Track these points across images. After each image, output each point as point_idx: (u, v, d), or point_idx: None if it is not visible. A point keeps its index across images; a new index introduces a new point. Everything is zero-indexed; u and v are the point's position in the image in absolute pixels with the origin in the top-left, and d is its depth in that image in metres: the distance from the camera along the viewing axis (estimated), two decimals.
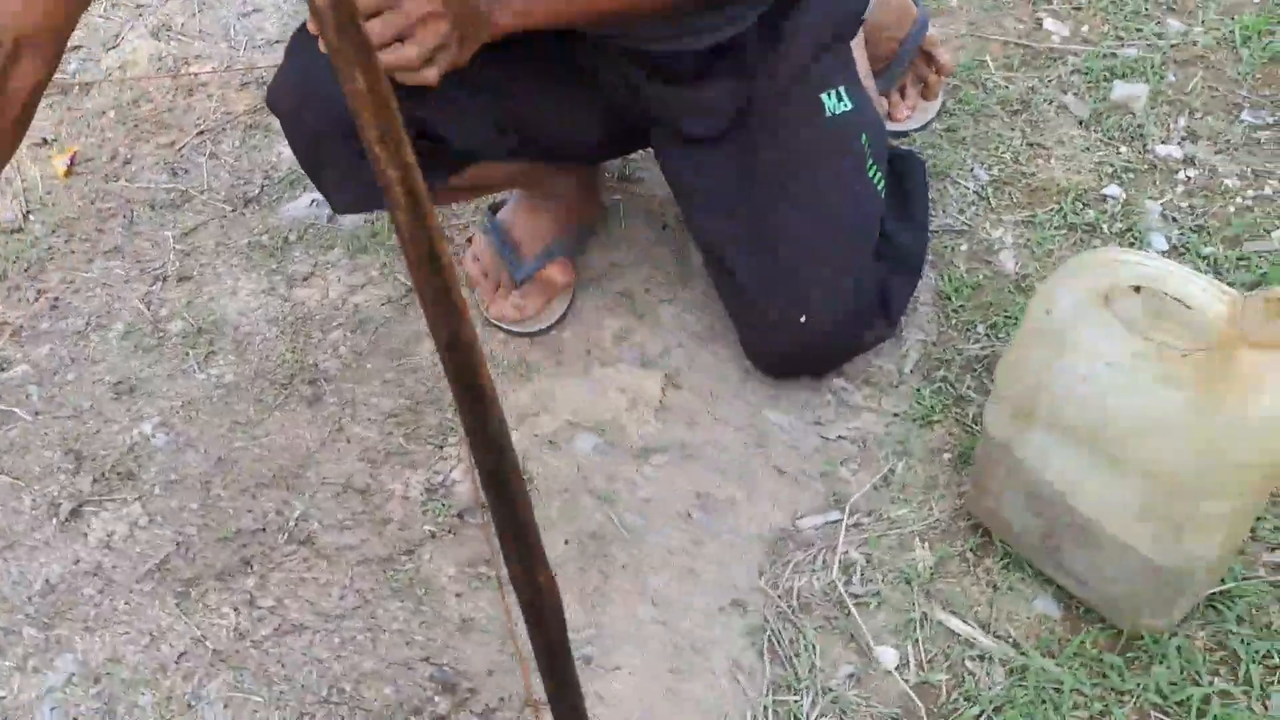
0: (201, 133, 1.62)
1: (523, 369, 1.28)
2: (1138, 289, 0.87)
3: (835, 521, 1.11)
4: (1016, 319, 1.26)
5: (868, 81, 1.31)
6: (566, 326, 1.33)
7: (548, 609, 0.59)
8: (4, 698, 0.98)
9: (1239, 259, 1.30)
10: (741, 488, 1.15)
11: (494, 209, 1.39)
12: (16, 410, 1.22)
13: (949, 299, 1.30)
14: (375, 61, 0.33)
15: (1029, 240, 1.36)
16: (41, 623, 1.04)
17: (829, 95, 1.17)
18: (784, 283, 1.14)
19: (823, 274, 1.13)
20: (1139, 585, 0.93)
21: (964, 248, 1.36)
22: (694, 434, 1.21)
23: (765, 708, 0.97)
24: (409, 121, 1.08)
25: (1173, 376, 0.85)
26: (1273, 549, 1.04)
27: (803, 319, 1.13)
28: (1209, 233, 1.34)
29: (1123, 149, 1.45)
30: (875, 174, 1.19)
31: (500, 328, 1.31)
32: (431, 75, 0.94)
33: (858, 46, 1.28)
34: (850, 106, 1.18)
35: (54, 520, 1.11)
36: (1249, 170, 1.40)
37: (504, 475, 0.58)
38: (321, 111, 1.00)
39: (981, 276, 1.33)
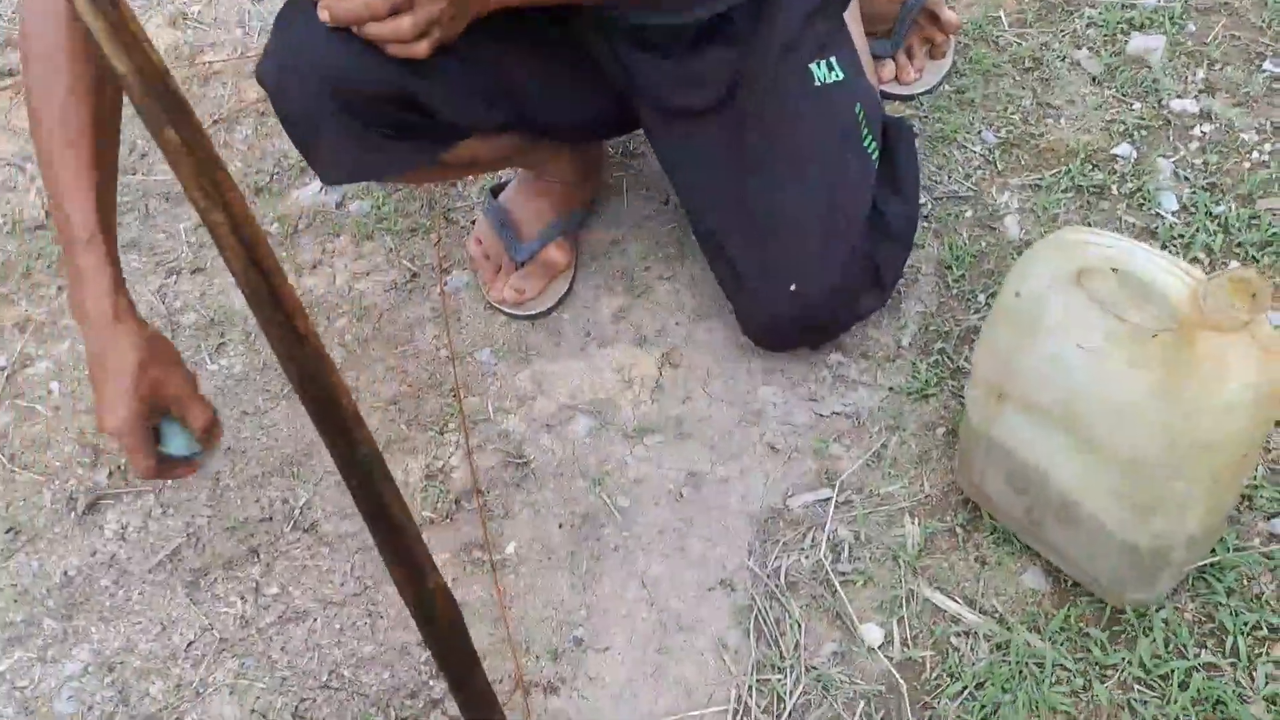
0: (216, 121, 1.65)
1: (522, 352, 1.30)
2: (1116, 270, 0.86)
3: (826, 499, 1.12)
4: None
5: (864, 52, 1.28)
6: (566, 307, 1.34)
7: (440, 618, 0.61)
8: (25, 687, 1.04)
9: (1251, 217, 1.26)
10: (734, 466, 1.16)
11: (495, 191, 1.40)
12: (38, 406, 1.27)
13: (950, 268, 1.29)
14: (189, 116, 0.34)
15: (1034, 205, 1.33)
16: (60, 614, 1.10)
17: (818, 65, 1.15)
18: (774, 252, 1.13)
19: (812, 243, 1.12)
20: (1119, 562, 0.92)
21: (968, 214, 1.34)
22: (689, 412, 1.21)
23: (750, 687, 0.99)
24: (399, 93, 1.08)
25: (1142, 359, 0.84)
26: (1269, 517, 1.02)
27: (792, 287, 1.12)
28: (1222, 190, 1.30)
29: (1136, 105, 1.41)
30: (870, 144, 1.17)
31: (501, 310, 1.33)
32: (422, 48, 0.97)
33: (851, 17, 1.25)
34: (842, 76, 1.16)
35: (72, 514, 1.17)
36: (1268, 124, 1.35)
37: (376, 497, 0.59)
38: (308, 84, 1.02)
39: (984, 244, 1.31)
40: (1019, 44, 1.51)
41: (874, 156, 1.17)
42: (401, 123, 1.06)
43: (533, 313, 1.32)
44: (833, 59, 1.16)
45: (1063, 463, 0.91)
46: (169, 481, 1.19)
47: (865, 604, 1.03)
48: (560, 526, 1.13)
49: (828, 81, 1.16)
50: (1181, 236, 1.26)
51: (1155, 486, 0.86)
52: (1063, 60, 1.47)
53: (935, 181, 1.38)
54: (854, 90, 1.17)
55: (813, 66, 1.15)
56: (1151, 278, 0.83)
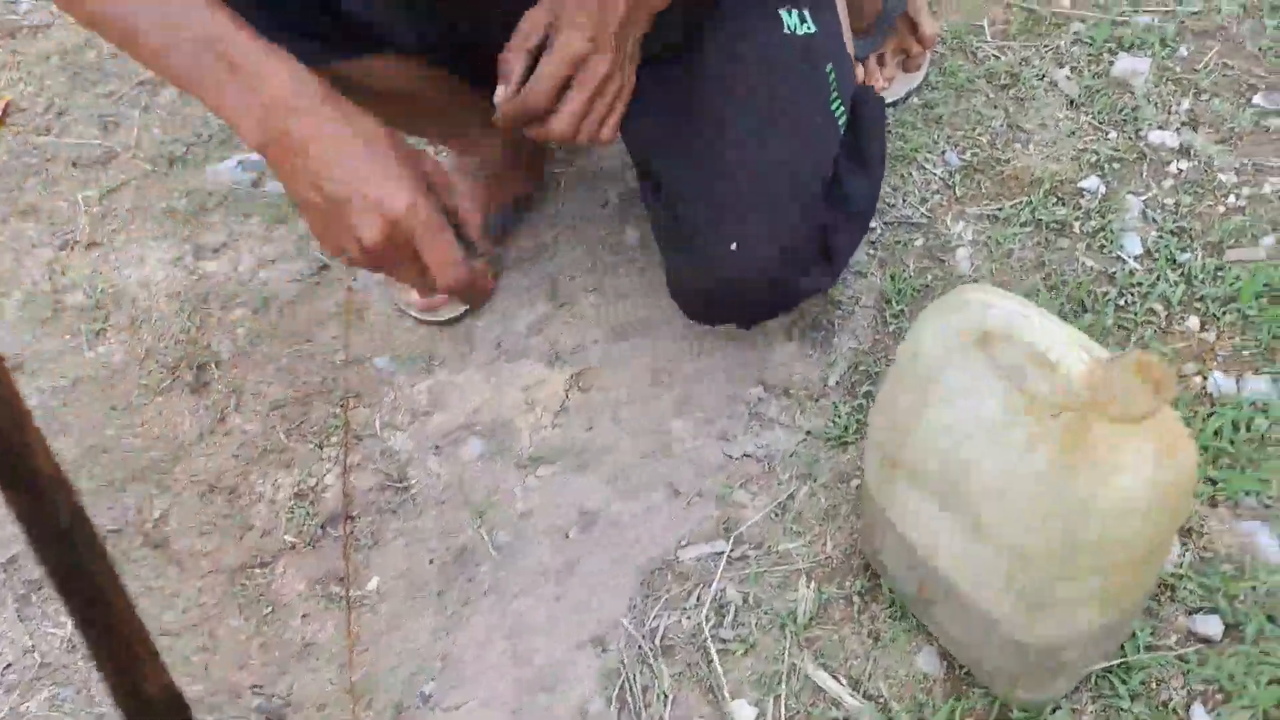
0: (141, 83, 1.56)
1: (425, 361, 1.21)
2: (1013, 338, 0.76)
3: (719, 553, 1.03)
4: None
5: (846, 25, 1.16)
6: (482, 313, 1.25)
7: None
8: None
9: (1217, 269, 1.15)
10: (630, 506, 1.08)
11: None
12: None
13: (890, 301, 1.19)
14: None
15: (989, 238, 1.23)
16: None
17: (789, 13, 1.02)
18: (721, 204, 1.00)
19: (764, 200, 0.99)
20: (1009, 657, 0.84)
21: (918, 243, 1.24)
22: (591, 442, 1.13)
23: None
24: None
25: (1039, 440, 0.74)
26: (1191, 612, 0.93)
27: (734, 246, 0.99)
28: (1190, 236, 1.19)
29: (1112, 134, 1.30)
30: (838, 108, 1.05)
31: (408, 314, 1.24)
32: (609, 129, 0.93)
33: (840, 5, 1.13)
34: (814, 30, 1.03)
35: None
36: (1249, 165, 1.24)
37: (84, 578, 0.51)
38: None
39: (931, 277, 1.21)
40: (998, 58, 1.39)
41: (841, 123, 1.05)
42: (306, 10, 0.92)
43: (441, 318, 1.24)
44: (806, 11, 1.03)
45: (949, 544, 0.82)
46: None
47: (743, 676, 0.95)
48: (431, 562, 1.05)
49: (798, 32, 1.03)
50: (1140, 285, 1.16)
51: (1044, 582, 0.77)
52: (1041, 79, 1.36)
53: (888, 205, 1.28)
54: (827, 48, 1.05)
55: (784, 13, 1.02)
56: (1050, 352, 0.74)
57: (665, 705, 0.93)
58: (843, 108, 1.05)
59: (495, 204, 1.28)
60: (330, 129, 0.73)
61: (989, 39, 1.42)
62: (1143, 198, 1.23)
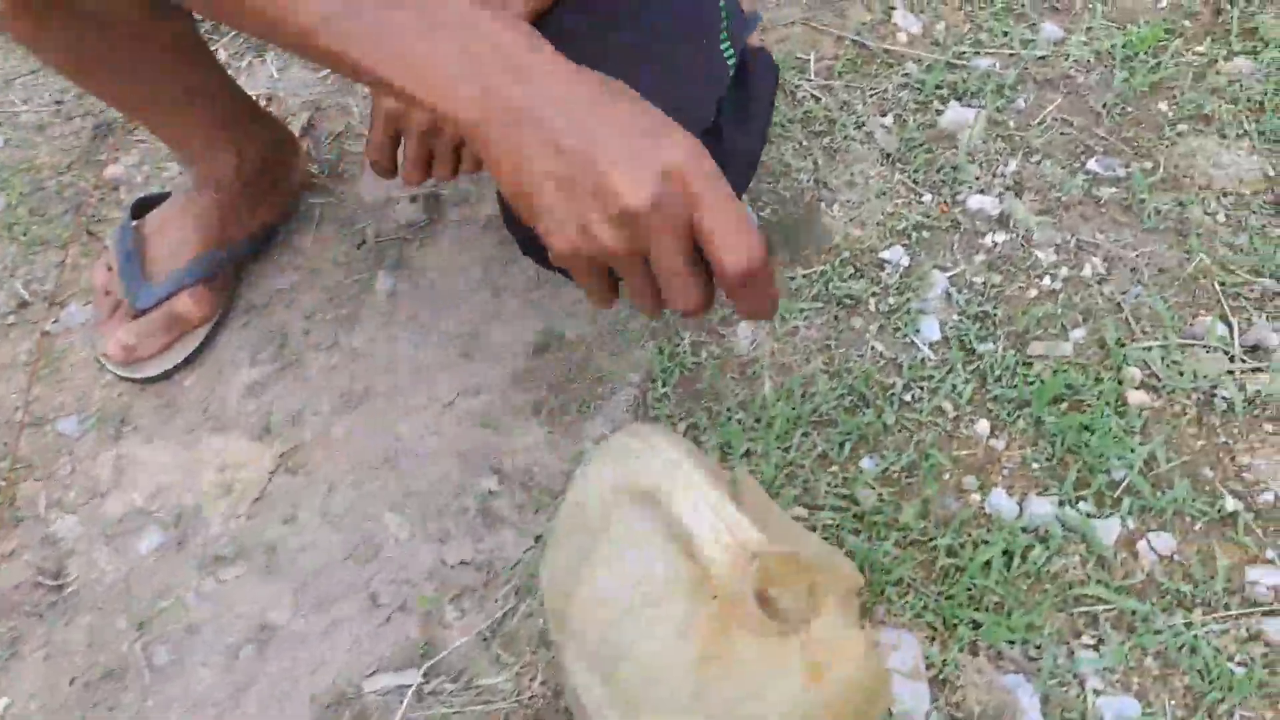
0: None
1: (115, 427, 1.05)
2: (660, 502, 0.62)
3: (407, 686, 0.89)
4: (723, 419, 1.00)
5: None
6: (194, 369, 1.09)
7: None
8: None
9: (1019, 364, 1.03)
10: (320, 620, 0.93)
11: (140, 207, 1.13)
12: None
13: (655, 381, 1.05)
14: None
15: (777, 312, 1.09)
16: None
17: None
18: None
19: None
20: None
21: None
22: (287, 537, 0.98)
23: None
24: None
25: (693, 623, 0.61)
26: None
27: None
28: (994, 323, 1.06)
29: (926, 197, 1.16)
30: (728, 50, 0.89)
31: (106, 366, 1.08)
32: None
33: None
34: None
35: None
36: (1072, 241, 1.11)
37: None
38: None
39: (705, 355, 1.07)
40: (817, 99, 1.25)
41: (730, 65, 0.90)
42: None
43: (142, 375, 1.07)
44: None
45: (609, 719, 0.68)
46: None
47: None
48: (73, 682, 0.89)
49: None
50: (930, 378, 1.03)
51: None
52: (859, 127, 1.22)
53: (770, 126, 1.13)
54: None
55: None
56: (691, 528, 0.60)
57: None
58: (731, 50, 0.90)
59: (222, 242, 1.11)
60: (575, 83, 0.54)
61: (812, 76, 1.27)
62: (950, 274, 1.10)
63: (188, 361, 1.08)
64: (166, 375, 1.08)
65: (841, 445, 0.99)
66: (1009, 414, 1.00)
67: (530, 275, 1.13)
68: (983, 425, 1.00)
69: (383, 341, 1.09)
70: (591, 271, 0.56)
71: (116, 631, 0.92)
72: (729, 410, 1.01)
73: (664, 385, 1.04)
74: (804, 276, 1.10)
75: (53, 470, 1.01)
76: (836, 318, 1.07)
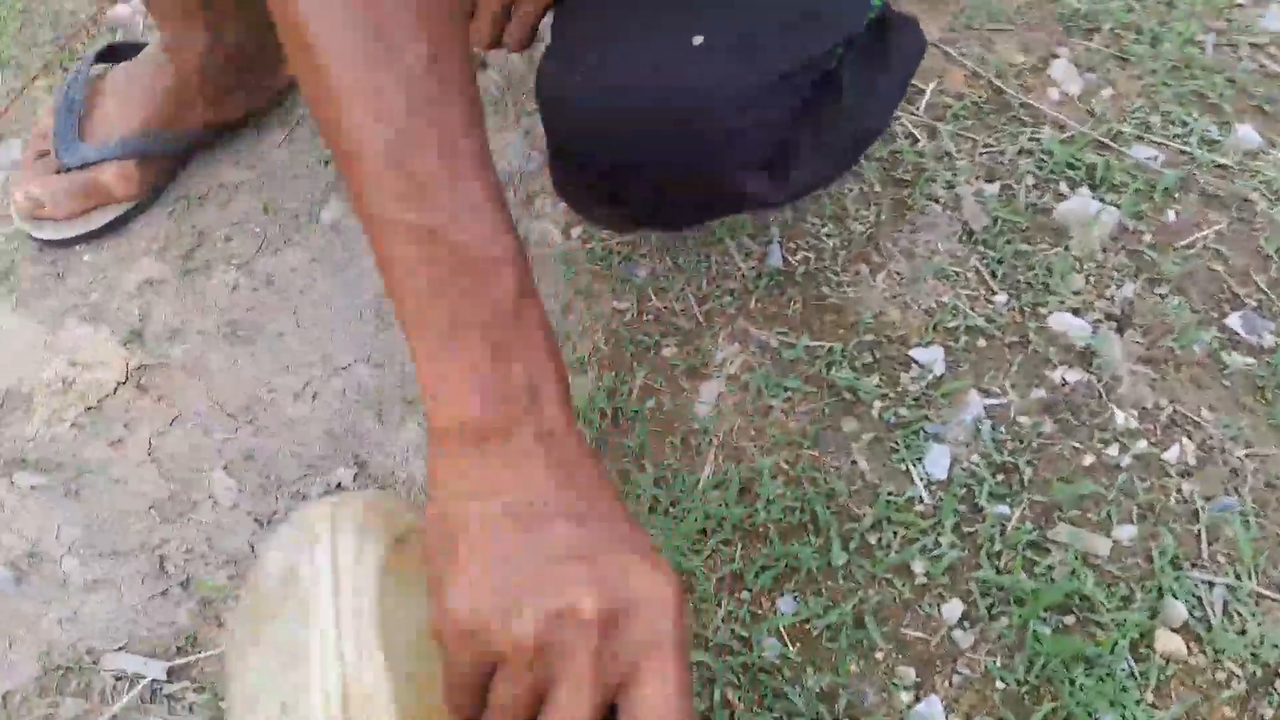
0: None
1: None
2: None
3: (144, 679, 0.73)
4: (637, 487, 0.79)
5: None
6: (97, 246, 0.96)
7: None
8: None
9: (1033, 546, 0.77)
10: (94, 568, 0.78)
11: (107, 54, 1.00)
12: None
13: (601, 418, 0.85)
14: None
15: (759, 377, 0.86)
16: None
17: None
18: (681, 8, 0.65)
19: (733, 30, 0.65)
20: None
21: (668, 350, 0.89)
22: (107, 464, 0.83)
23: None
24: None
25: None
26: None
27: (698, 41, 0.64)
28: (1020, 483, 0.80)
29: (999, 298, 0.91)
30: None
31: (10, 213, 0.96)
32: None
33: None
34: None
35: None
36: (1167, 410, 0.84)
37: None
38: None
39: (655, 403, 0.86)
40: (913, 141, 1.01)
41: (872, 7, 0.72)
42: None
43: (41, 235, 0.95)
44: None
45: None
46: None
47: None
48: None
49: None
50: (910, 525, 0.78)
51: None
52: (949, 188, 0.97)
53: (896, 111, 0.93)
54: None
55: None
56: (307, 675, 0.42)
57: None
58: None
59: (173, 124, 0.96)
60: (567, 491, 0.43)
61: (919, 111, 1.03)
62: (991, 402, 0.85)
63: (93, 235, 0.96)
64: (66, 243, 0.95)
65: (762, 570, 0.77)
66: (992, 607, 0.75)
67: None
68: (953, 608, 0.75)
69: (301, 277, 0.94)
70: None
71: None
72: (649, 480, 0.80)
73: (593, 425, 0.84)
74: (805, 349, 0.88)
75: None
76: (825, 411, 0.84)
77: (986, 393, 0.85)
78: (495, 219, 0.44)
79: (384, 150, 0.43)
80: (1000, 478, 0.81)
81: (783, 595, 0.76)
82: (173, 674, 0.74)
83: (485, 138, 0.46)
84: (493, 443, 0.42)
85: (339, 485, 0.82)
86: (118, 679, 0.74)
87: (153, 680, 0.73)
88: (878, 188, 0.97)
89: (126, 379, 0.87)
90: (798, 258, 0.93)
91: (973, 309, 0.90)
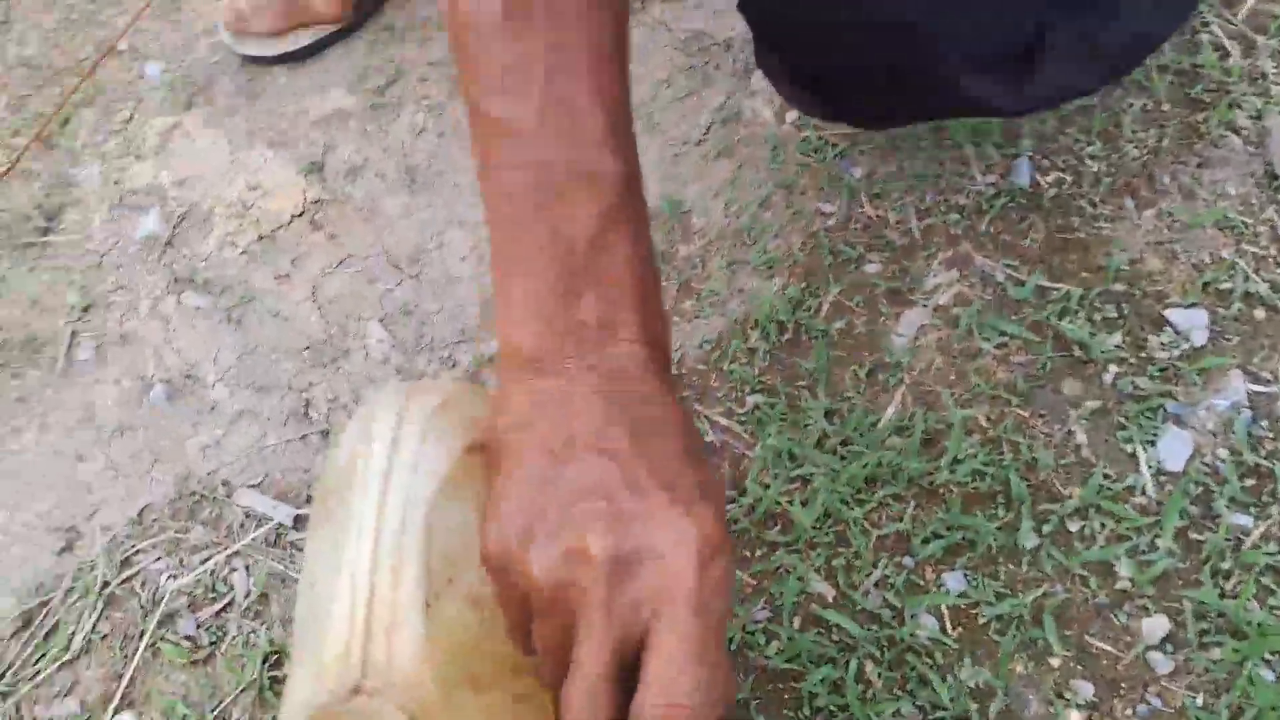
0: None
1: (189, 93, 0.91)
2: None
3: (281, 525, 0.72)
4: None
5: None
6: (295, 69, 0.92)
7: None
8: None
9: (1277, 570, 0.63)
10: (235, 402, 0.77)
11: None
12: None
13: (778, 326, 0.75)
14: None
15: (970, 312, 0.74)
16: None
17: None
18: None
19: None
20: None
21: (871, 267, 0.77)
22: (268, 296, 0.81)
23: None
24: None
25: None
26: None
27: None
28: (1275, 492, 0.66)
29: None
30: None
31: (218, 28, 0.94)
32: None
33: None
34: None
35: None
36: None
37: None
38: None
39: (839, 330, 0.75)
40: (1221, 54, 0.82)
41: None
42: None
43: (242, 50, 0.92)
44: None
45: None
46: None
47: None
48: None
49: None
50: (1120, 520, 0.66)
51: None
52: (1255, 119, 0.79)
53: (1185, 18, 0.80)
54: None
55: None
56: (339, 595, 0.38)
57: None
58: None
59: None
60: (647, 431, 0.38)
61: (1239, 19, 0.83)
62: (1260, 388, 0.69)
63: (294, 56, 0.92)
64: (267, 61, 0.92)
65: (934, 538, 0.67)
66: (1205, 634, 0.62)
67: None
68: (1156, 626, 0.63)
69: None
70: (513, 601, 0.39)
71: (59, 304, 0.82)
72: (820, 411, 0.71)
73: (768, 337, 0.75)
74: (1036, 289, 0.74)
75: (112, 110, 0.91)
76: (1046, 366, 0.71)
77: (1254, 376, 0.70)
78: (596, 126, 0.38)
79: (487, 30, 0.37)
80: (1249, 482, 0.66)
81: (952, 570, 0.66)
82: (299, 521, 0.73)
83: (614, 32, 0.39)
84: (548, 374, 0.38)
85: (490, 359, 0.77)
86: (247, 515, 0.73)
87: (278, 524, 0.72)
88: (1165, 106, 0.80)
89: (303, 211, 0.85)
90: (1049, 178, 0.79)
91: (1257, 272, 0.73)
